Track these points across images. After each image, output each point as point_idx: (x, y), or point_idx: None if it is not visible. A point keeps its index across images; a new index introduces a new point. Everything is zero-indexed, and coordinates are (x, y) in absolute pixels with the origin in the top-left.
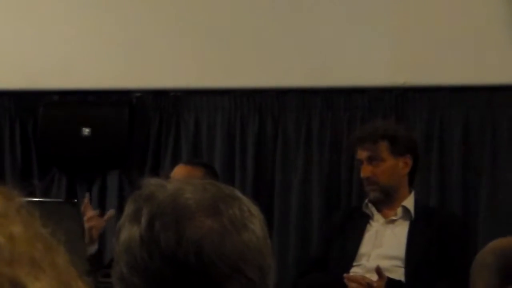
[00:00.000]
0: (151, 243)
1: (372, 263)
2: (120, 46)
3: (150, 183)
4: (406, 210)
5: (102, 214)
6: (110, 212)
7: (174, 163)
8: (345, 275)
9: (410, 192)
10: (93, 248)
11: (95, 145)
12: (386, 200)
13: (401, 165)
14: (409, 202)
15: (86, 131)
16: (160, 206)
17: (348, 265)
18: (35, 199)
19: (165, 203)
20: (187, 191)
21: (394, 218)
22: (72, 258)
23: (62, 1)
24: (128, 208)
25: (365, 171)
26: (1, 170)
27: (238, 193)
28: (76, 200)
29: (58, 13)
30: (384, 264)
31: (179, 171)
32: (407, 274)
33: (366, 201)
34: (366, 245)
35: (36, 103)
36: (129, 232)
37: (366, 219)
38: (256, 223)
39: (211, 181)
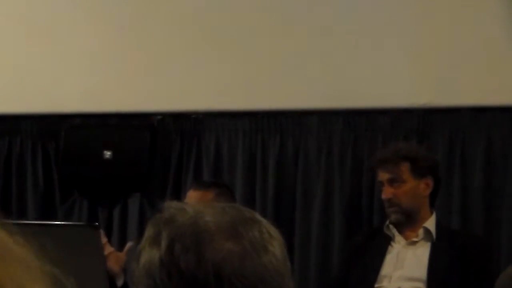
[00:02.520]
0: (171, 265)
1: (394, 285)
2: (141, 69)
3: (170, 206)
4: (427, 231)
5: (123, 239)
6: (129, 245)
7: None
8: None
9: (431, 214)
10: (119, 283)
11: (116, 168)
12: (408, 221)
13: (423, 187)
14: (431, 223)
15: (107, 154)
16: (180, 229)
17: (370, 287)
18: (56, 222)
19: (185, 226)
20: (207, 214)
21: (415, 239)
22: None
23: (83, 25)
24: (148, 232)
25: (386, 192)
26: (23, 193)
27: (258, 216)
28: (97, 224)
29: (79, 37)
30: (405, 286)
31: (191, 196)
32: None
33: (387, 222)
34: (388, 267)
35: (57, 126)
36: (149, 255)
37: (388, 240)
38: (276, 246)
39: (231, 204)
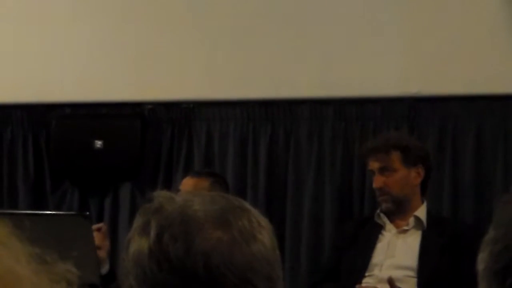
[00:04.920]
0: (160, 255)
1: (384, 273)
2: (131, 58)
3: (159, 195)
4: (418, 220)
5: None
6: (102, 227)
7: (187, 174)
8: (357, 285)
9: (422, 202)
10: (104, 269)
11: (107, 158)
12: (398, 210)
13: (413, 175)
14: (421, 212)
15: (98, 143)
16: (168, 218)
17: (360, 275)
18: (47, 212)
19: (174, 215)
20: (196, 203)
21: (406, 228)
22: (83, 270)
23: (73, 14)
24: (137, 221)
25: (377, 181)
26: (13, 183)
27: (246, 205)
28: (88, 213)
29: (69, 26)
30: (396, 274)
31: (186, 183)
32: (419, 284)
33: (378, 211)
34: (378, 255)
35: (48, 116)
36: (138, 244)
37: (378, 229)
38: (265, 234)
39: (220, 193)
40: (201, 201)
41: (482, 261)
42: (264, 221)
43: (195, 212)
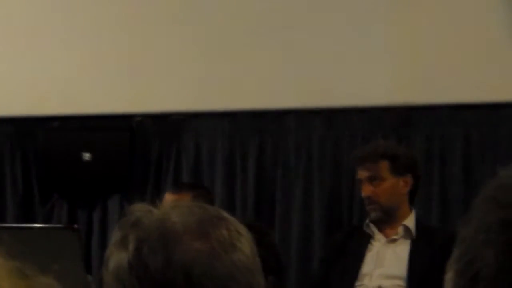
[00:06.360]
0: (139, 268)
1: (374, 283)
2: (119, 70)
3: (136, 209)
4: (407, 229)
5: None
6: None
7: (171, 188)
8: None
9: (411, 211)
10: None
11: (95, 170)
12: (387, 219)
13: (402, 184)
14: (410, 221)
15: (86, 156)
16: (147, 231)
17: (350, 285)
18: (36, 225)
19: (152, 228)
20: (174, 215)
21: (395, 237)
22: (70, 283)
23: (61, 27)
24: (115, 236)
25: (366, 190)
26: (2, 196)
27: (224, 214)
28: (76, 226)
29: (57, 39)
30: (386, 284)
31: (168, 199)
32: None
33: (367, 221)
34: (368, 265)
35: (36, 129)
36: (117, 259)
37: (367, 239)
38: (244, 242)
39: (198, 204)
40: (179, 213)
41: (448, 281)
42: (242, 229)
43: (173, 224)
